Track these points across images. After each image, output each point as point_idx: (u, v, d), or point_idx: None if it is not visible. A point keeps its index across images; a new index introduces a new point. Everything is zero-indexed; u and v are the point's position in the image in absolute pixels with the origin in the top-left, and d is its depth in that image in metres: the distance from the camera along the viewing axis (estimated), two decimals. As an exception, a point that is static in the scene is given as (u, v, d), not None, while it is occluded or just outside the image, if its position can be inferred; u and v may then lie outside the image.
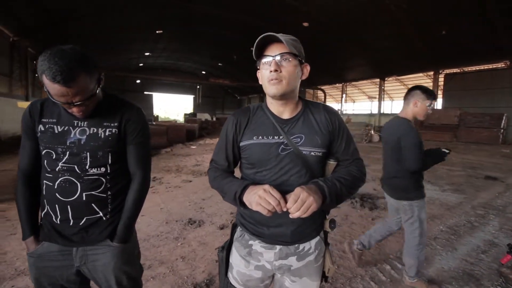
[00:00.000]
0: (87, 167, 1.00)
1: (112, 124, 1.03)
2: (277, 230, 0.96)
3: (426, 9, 13.04)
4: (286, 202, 0.78)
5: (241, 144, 0.98)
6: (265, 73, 0.90)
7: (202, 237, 2.88)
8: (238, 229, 1.05)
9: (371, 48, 18.31)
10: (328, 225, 0.97)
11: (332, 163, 0.99)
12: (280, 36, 0.86)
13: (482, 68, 16.02)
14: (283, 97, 0.92)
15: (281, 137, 0.93)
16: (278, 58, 0.87)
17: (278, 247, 0.97)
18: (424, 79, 23.92)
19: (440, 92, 18.54)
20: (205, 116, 27.03)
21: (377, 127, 17.60)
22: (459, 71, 17.24)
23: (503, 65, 14.90)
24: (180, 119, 38.36)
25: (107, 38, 18.60)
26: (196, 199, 4.16)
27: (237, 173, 1.04)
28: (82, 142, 0.99)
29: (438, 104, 18.58)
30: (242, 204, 0.86)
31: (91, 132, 1.01)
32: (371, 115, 25.17)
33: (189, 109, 43.29)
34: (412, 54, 17.34)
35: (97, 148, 1.01)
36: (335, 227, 0.99)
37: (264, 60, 0.90)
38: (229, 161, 1.02)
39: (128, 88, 35.04)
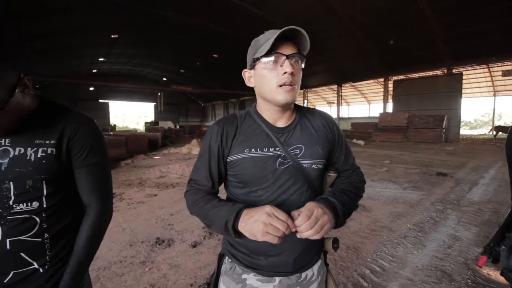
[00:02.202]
0: (11, 202, 0.73)
1: (48, 142, 0.77)
2: (276, 259, 0.81)
3: (377, 22, 14.26)
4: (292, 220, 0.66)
5: (229, 159, 0.81)
6: (270, 75, 0.75)
7: (172, 258, 2.60)
8: (227, 260, 0.88)
9: (329, 56, 19.41)
10: (331, 245, 0.85)
11: (332, 175, 0.88)
12: (303, 31, 0.71)
13: (425, 75, 17.94)
14: (289, 105, 0.79)
15: (277, 148, 0.80)
16: (293, 59, 0.74)
17: (277, 279, 0.83)
18: (375, 85, 26.07)
19: (390, 97, 20.29)
20: (168, 124, 25.98)
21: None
22: (405, 77, 19.06)
23: (441, 72, 16.85)
24: (141, 128, 36.35)
25: (54, 41, 16.91)
26: (163, 214, 3.82)
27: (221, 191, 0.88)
28: (2, 168, 0.73)
29: (389, 108, 20.31)
30: (238, 234, 0.70)
31: (17, 153, 0.74)
32: (331, 119, 26.50)
33: (150, 117, 41.32)
34: (365, 63, 18.81)
35: (26, 175, 0.74)
36: (339, 247, 0.87)
37: (272, 58, 0.73)
38: (214, 180, 0.84)
39: (80, 97, 32.37)
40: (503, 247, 0.98)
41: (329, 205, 0.73)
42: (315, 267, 0.87)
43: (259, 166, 0.79)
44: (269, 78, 0.75)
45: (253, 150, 0.79)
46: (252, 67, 0.80)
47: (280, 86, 0.74)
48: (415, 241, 2.96)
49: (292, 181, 0.80)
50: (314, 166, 0.82)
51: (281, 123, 0.83)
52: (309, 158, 0.81)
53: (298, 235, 0.66)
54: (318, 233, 0.65)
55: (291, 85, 0.74)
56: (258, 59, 0.76)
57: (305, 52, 0.76)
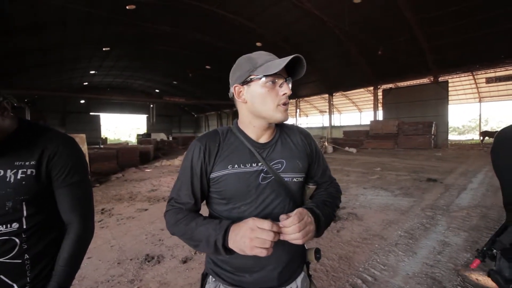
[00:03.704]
0: None
1: (28, 163, 0.78)
2: (261, 275, 0.81)
3: (365, 32, 14.71)
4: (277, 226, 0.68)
5: (212, 175, 0.81)
6: (270, 94, 0.78)
7: (162, 275, 2.55)
8: (211, 279, 0.87)
9: (320, 66, 19.83)
10: (314, 255, 0.86)
11: (311, 187, 0.91)
12: (304, 61, 0.78)
13: (413, 83, 18.46)
14: (283, 122, 0.85)
15: (259, 164, 0.82)
16: (289, 82, 0.80)
17: None
18: (365, 94, 26.59)
19: (380, 105, 20.71)
20: (160, 136, 25.76)
21: (330, 139, 18.74)
22: (394, 86, 19.56)
23: (428, 80, 17.37)
24: (133, 140, 35.99)
25: (44, 54, 16.83)
26: (153, 230, 3.75)
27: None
28: None
29: (380, 115, 20.70)
30: (229, 251, 0.71)
31: None
32: (323, 128, 26.84)
33: (143, 129, 41.01)
34: (355, 72, 19.28)
35: (5, 196, 0.75)
36: (321, 257, 0.88)
37: (273, 79, 0.78)
38: (196, 197, 0.83)
39: (71, 110, 32.05)
40: (495, 250, 0.99)
41: (314, 216, 0.75)
42: (299, 280, 0.88)
43: (243, 181, 0.80)
44: (269, 97, 0.78)
45: (236, 166, 0.80)
46: (246, 83, 0.80)
47: (279, 105, 0.79)
48: (406, 249, 2.98)
49: (274, 195, 0.82)
50: (295, 179, 0.84)
51: (263, 139, 0.86)
52: (290, 172, 0.84)
53: (282, 237, 0.66)
54: (302, 238, 0.67)
55: (287, 105, 0.81)
56: (258, 77, 0.77)
57: (298, 77, 0.82)
